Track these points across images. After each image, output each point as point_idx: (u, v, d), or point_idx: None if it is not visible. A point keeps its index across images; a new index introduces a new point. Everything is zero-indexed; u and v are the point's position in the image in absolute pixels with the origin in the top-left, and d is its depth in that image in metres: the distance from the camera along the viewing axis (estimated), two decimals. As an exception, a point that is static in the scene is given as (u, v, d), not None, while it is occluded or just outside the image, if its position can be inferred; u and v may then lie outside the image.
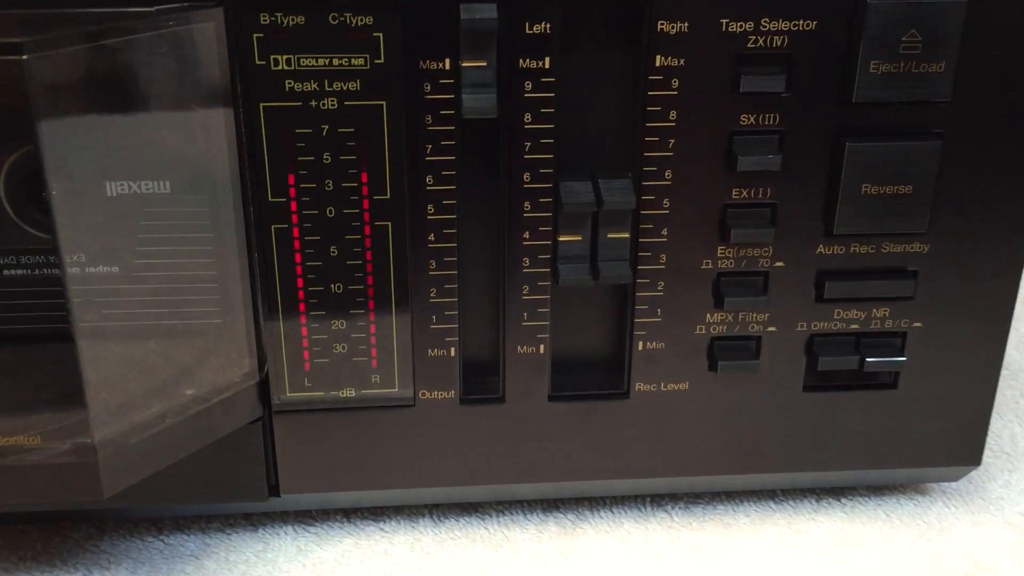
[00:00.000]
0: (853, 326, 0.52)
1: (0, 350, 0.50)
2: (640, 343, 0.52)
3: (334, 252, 0.48)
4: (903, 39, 0.46)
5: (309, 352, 0.50)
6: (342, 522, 0.56)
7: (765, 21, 0.46)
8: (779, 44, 0.46)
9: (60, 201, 0.43)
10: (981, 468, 0.58)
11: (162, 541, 0.55)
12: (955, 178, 0.49)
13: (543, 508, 0.57)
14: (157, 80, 0.45)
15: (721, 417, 0.53)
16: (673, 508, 0.57)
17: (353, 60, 0.45)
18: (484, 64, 0.45)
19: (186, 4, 0.43)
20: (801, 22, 0.46)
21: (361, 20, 0.45)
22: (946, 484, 0.59)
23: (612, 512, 0.57)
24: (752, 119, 0.47)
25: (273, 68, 0.45)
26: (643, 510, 0.57)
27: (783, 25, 0.46)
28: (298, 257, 0.48)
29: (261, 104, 0.45)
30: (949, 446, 0.55)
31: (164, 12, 0.43)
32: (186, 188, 0.47)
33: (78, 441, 0.45)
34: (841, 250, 0.50)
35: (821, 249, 0.50)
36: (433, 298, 0.50)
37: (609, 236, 0.49)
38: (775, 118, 0.47)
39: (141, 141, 0.46)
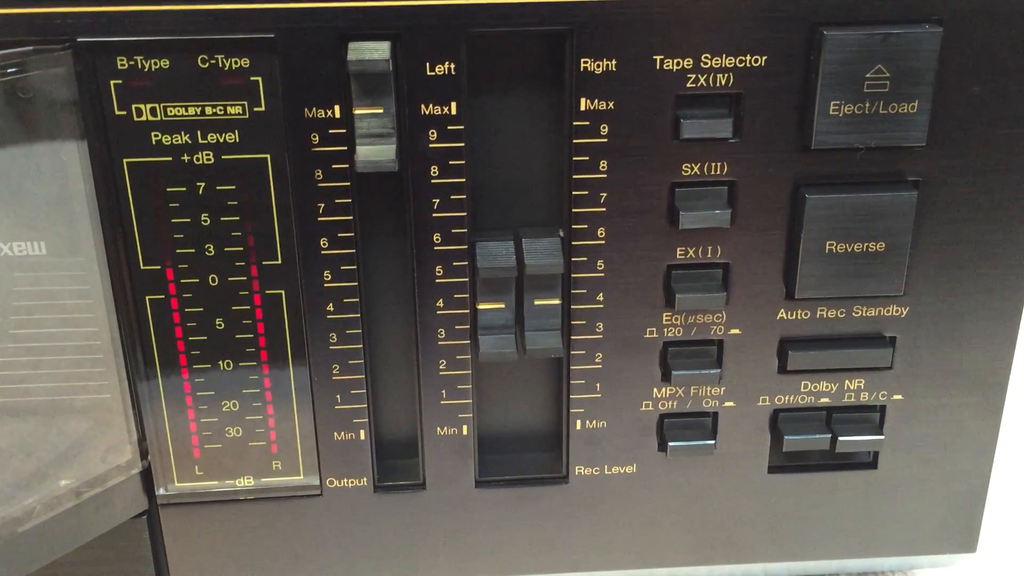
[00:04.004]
0: (823, 400, 0.47)
1: None
2: (579, 422, 0.46)
3: (220, 325, 0.43)
4: (868, 75, 0.40)
5: (198, 437, 0.45)
6: (248, 623, 0.50)
7: (706, 57, 0.40)
8: (724, 83, 0.40)
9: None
10: (977, 555, 0.52)
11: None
12: (934, 231, 0.44)
13: (476, 606, 0.50)
14: (8, 132, 0.40)
15: (675, 503, 0.48)
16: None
17: (229, 108, 0.40)
18: (380, 111, 0.39)
19: (29, 48, 0.38)
20: (748, 57, 0.40)
21: (236, 63, 0.39)
22: (938, 571, 0.54)
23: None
24: (696, 169, 0.42)
25: (136, 119, 0.39)
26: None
27: (728, 61, 0.40)
28: (179, 331, 0.43)
29: (124, 160, 0.40)
30: (939, 531, 0.50)
31: (2, 57, 0.38)
32: (63, 250, 0.43)
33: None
34: (806, 315, 0.45)
35: (782, 314, 0.44)
36: (337, 375, 0.44)
37: (536, 303, 0.43)
38: (723, 167, 0.42)
39: (7, 198, 0.41)
